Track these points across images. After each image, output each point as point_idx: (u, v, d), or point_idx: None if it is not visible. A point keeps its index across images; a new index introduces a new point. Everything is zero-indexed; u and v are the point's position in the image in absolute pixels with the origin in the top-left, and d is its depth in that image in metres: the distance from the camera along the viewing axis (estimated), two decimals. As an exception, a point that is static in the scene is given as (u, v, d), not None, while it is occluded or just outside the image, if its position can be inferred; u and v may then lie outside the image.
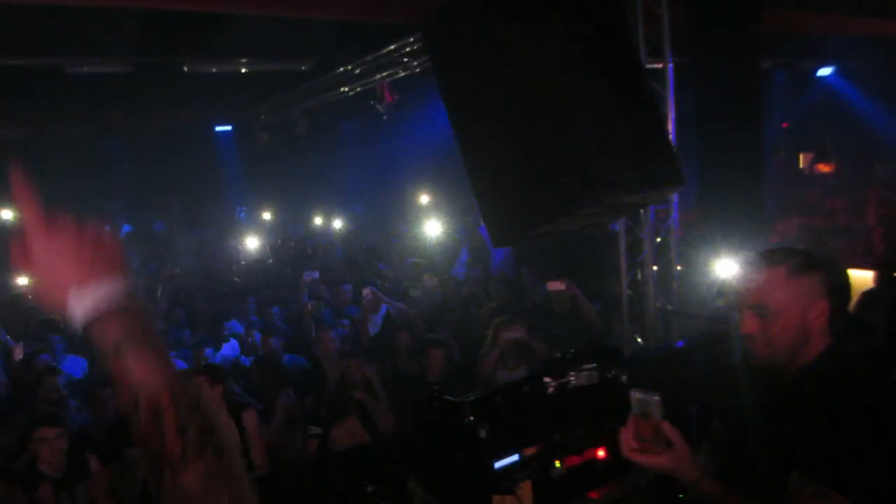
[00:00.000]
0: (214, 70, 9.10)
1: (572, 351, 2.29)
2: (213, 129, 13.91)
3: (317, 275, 7.28)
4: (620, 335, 5.38)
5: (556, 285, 5.79)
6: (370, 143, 12.97)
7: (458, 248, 9.31)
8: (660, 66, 4.98)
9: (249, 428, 4.05)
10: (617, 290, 5.58)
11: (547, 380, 2.11)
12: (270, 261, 10.20)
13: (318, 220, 12.74)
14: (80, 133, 12.13)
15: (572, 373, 2.12)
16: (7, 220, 12.21)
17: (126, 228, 13.04)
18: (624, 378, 2.19)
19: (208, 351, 6.32)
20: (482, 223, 8.23)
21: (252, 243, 10.14)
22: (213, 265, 10.01)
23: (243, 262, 10.16)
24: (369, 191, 13.16)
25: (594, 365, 2.14)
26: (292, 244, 11.17)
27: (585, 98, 3.88)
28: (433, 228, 9.84)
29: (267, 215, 13.04)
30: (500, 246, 5.30)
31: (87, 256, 1.05)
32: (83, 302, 1.01)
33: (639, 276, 5.20)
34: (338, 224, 12.01)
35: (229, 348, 6.85)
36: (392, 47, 7.86)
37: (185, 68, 8.22)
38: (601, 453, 2.17)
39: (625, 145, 3.84)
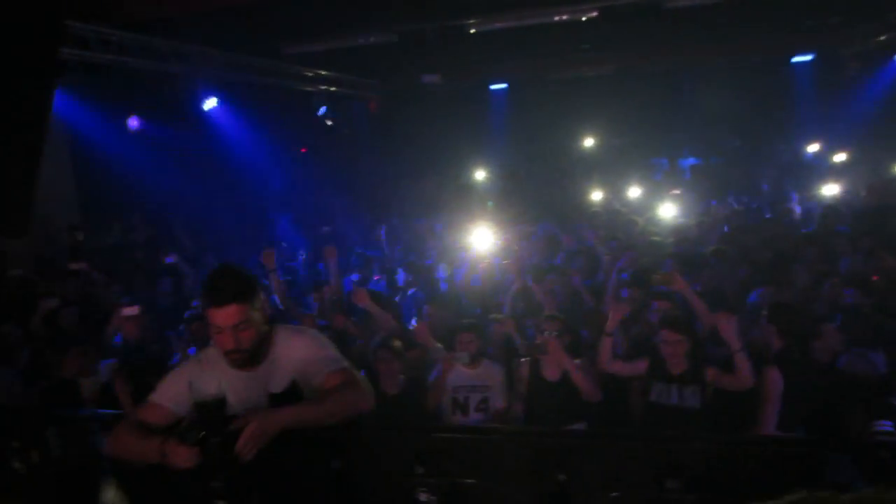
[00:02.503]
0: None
1: None
2: (788, 60, 12.95)
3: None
4: None
5: None
6: None
7: None
8: None
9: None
10: None
11: None
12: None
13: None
14: (658, 69, 12.78)
15: None
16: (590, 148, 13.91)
17: (688, 162, 13.44)
18: None
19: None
20: None
21: (830, 189, 9.03)
22: (775, 205, 9.37)
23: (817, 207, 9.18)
24: None
25: None
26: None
27: None
28: None
29: (841, 157, 11.49)
30: None
31: None
32: None
33: None
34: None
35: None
36: None
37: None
38: None
39: None
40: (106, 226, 10.21)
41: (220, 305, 2.44)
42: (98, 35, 6.62)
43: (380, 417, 4.72)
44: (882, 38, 10.63)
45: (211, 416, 2.20)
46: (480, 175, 12.91)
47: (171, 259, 7.91)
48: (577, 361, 4.62)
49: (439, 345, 5.18)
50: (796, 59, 12.77)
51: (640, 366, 4.53)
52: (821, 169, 11.41)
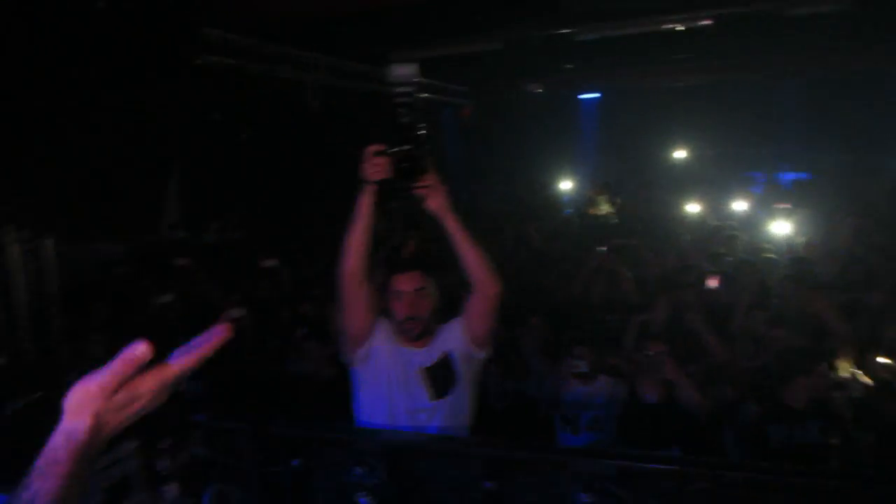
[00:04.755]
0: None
1: None
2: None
3: None
4: None
5: None
6: None
7: None
8: None
9: None
10: None
11: None
12: None
13: None
14: (746, 78, 12.32)
15: None
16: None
17: (788, 176, 12.84)
18: None
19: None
20: None
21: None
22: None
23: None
24: None
25: None
26: None
27: None
28: None
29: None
30: None
31: None
32: None
33: None
34: None
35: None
36: None
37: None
38: None
39: None
40: (204, 224, 10.47)
41: (404, 271, 2.73)
42: (223, 40, 6.83)
43: (486, 432, 4.61)
44: None
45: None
46: (567, 185, 12.71)
47: (270, 262, 7.95)
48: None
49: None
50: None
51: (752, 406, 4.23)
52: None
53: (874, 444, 4.12)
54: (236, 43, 7.31)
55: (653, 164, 13.55)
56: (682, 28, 7.58)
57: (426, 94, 11.33)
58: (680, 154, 13.61)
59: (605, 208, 11.82)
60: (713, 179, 12.24)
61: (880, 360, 4.30)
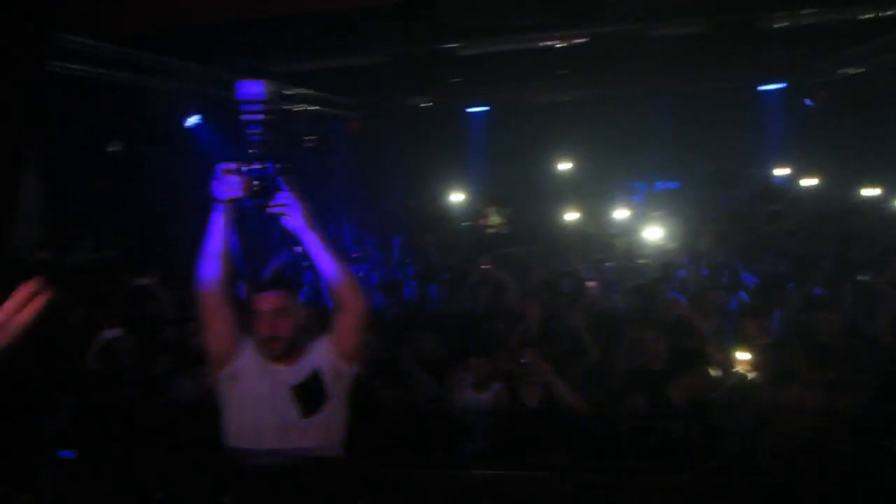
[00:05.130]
0: (787, 24, 8.53)
1: None
2: (758, 88, 13.37)
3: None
4: None
5: None
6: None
7: None
8: None
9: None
10: None
11: None
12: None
13: (871, 192, 10.86)
14: (634, 95, 13.04)
15: None
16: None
17: (662, 186, 13.64)
18: None
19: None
20: None
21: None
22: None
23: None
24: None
25: None
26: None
27: None
28: None
29: (807, 182, 11.83)
30: None
31: None
32: None
33: None
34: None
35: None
36: None
37: (763, 25, 7.87)
38: None
39: None
40: (72, 245, 9.77)
41: (263, 291, 2.68)
42: (82, 47, 6.41)
43: (375, 448, 4.52)
44: (849, 70, 11.04)
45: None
46: (458, 197, 12.90)
47: (145, 281, 7.53)
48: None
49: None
50: (766, 87, 13.21)
51: (639, 401, 4.42)
52: (790, 193, 11.75)
53: (738, 434, 4.39)
54: (102, 52, 6.91)
55: (539, 175, 13.98)
56: (560, 45, 7.91)
57: (314, 107, 11.18)
58: (564, 165, 14.12)
59: (494, 219, 12.09)
60: (598, 190, 12.80)
61: (739, 354, 4.61)
